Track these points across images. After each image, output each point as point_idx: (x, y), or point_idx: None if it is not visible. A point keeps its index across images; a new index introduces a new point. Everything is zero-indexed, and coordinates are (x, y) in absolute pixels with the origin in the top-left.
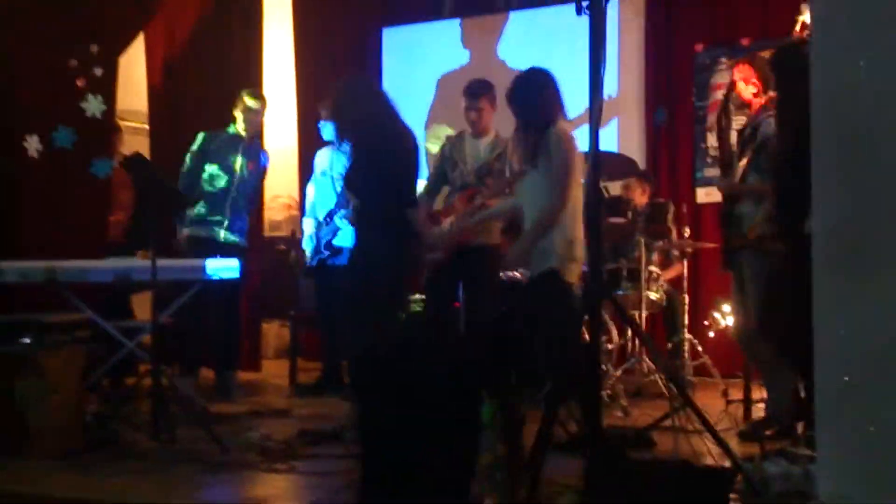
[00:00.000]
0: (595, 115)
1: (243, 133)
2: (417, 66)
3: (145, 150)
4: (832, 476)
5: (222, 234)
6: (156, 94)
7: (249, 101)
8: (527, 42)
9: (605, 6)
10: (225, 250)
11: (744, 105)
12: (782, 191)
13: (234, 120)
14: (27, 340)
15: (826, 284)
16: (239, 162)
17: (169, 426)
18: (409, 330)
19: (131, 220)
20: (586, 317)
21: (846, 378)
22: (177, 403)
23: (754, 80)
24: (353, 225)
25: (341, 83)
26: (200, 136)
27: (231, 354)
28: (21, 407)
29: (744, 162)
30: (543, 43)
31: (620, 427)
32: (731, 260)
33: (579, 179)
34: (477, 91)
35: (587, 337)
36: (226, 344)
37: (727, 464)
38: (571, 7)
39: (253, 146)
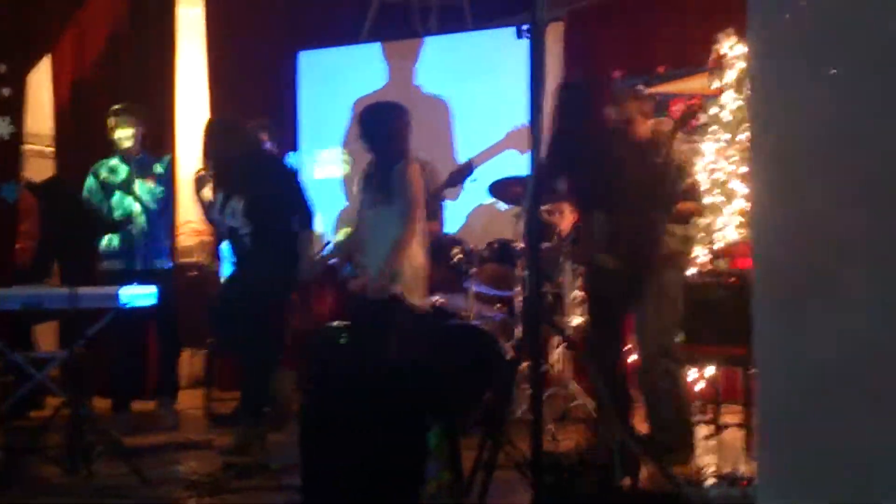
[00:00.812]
0: (536, 139)
1: (127, 152)
2: (335, 90)
3: (49, 175)
4: (773, 495)
5: (138, 262)
6: (63, 117)
7: (112, 119)
8: (443, 67)
9: (544, 30)
10: (144, 278)
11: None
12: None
13: (116, 144)
14: None
15: (766, 308)
16: (136, 183)
17: (85, 460)
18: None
19: (38, 247)
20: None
21: (787, 397)
22: (93, 436)
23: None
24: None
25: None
26: (91, 173)
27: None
28: None
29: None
30: (461, 68)
31: (554, 452)
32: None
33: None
34: None
35: (523, 362)
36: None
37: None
38: (490, 33)
39: (143, 161)
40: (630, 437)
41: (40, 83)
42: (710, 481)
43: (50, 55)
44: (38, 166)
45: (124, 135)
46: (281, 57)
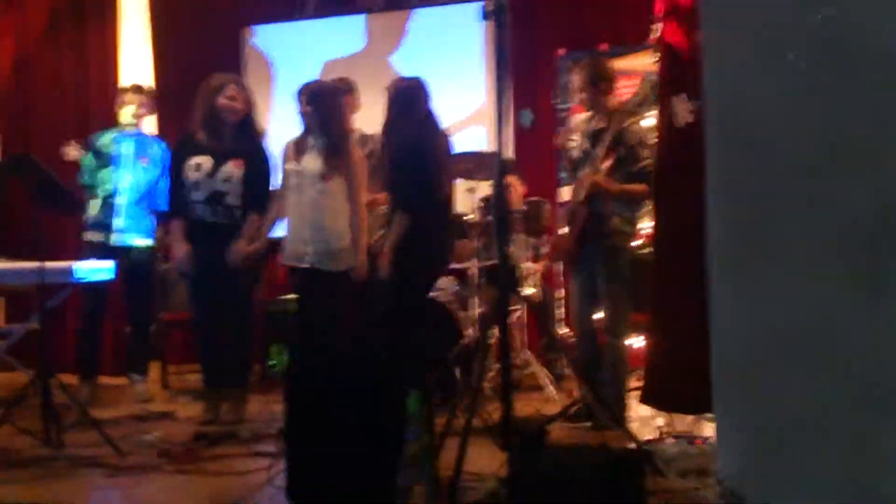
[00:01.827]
0: (500, 120)
1: (128, 128)
2: (281, 65)
3: None
4: (730, 453)
5: (113, 236)
6: (5, 94)
7: (125, 95)
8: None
9: (507, 12)
10: (120, 253)
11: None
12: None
13: (117, 118)
14: None
15: (722, 276)
16: (128, 154)
17: (58, 432)
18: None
19: None
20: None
21: (742, 361)
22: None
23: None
24: None
25: None
26: (89, 144)
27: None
28: None
29: (607, 164)
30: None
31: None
32: (581, 257)
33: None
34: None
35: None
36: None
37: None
38: (439, 10)
39: (141, 140)
40: (598, 399)
41: None
42: (669, 440)
43: None
44: None
45: (128, 111)
46: (226, 32)
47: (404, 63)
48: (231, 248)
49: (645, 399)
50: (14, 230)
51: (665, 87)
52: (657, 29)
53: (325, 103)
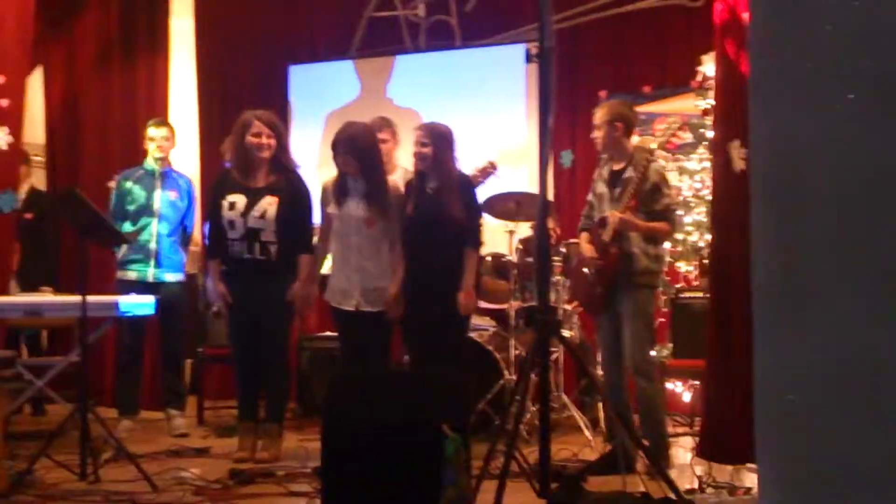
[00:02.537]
0: (543, 161)
1: (155, 165)
2: (324, 104)
3: (42, 184)
4: (774, 498)
5: (150, 272)
6: (54, 127)
7: (153, 131)
8: (434, 84)
9: (553, 55)
10: (155, 289)
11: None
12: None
13: (145, 154)
14: None
15: (765, 318)
16: (157, 195)
17: (95, 466)
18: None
19: (26, 253)
20: None
21: (787, 407)
22: (101, 442)
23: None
24: None
25: None
26: (119, 177)
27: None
28: None
29: (631, 203)
30: (452, 85)
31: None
32: (614, 298)
33: None
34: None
35: (533, 375)
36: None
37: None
38: (480, 51)
39: (170, 176)
40: (637, 444)
41: (33, 93)
42: (709, 490)
43: (42, 66)
44: (31, 176)
45: (157, 146)
46: (270, 69)
47: (448, 101)
48: (296, 293)
49: (702, 453)
50: (59, 266)
51: (720, 131)
52: (700, 72)
53: (362, 149)
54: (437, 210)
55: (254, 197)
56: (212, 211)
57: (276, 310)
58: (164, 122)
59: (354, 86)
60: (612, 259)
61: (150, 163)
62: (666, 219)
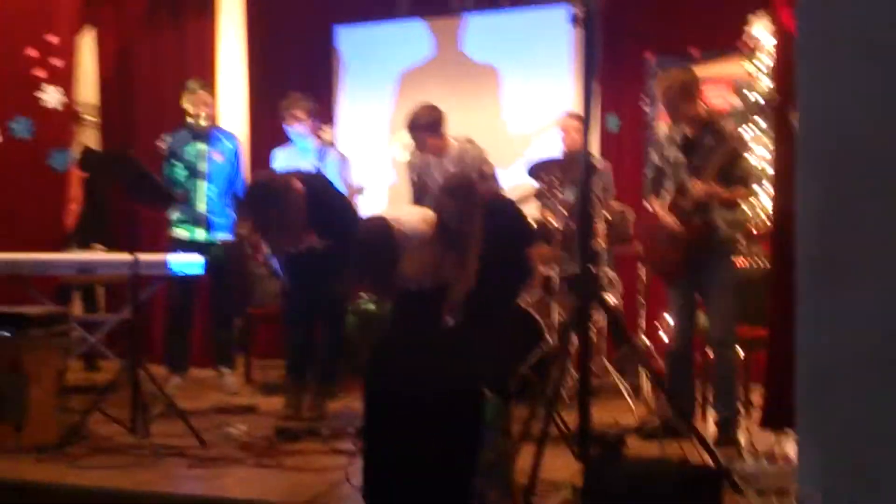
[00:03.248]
0: (587, 123)
1: (198, 122)
2: (372, 65)
3: (95, 143)
4: (812, 473)
5: (200, 233)
6: (107, 87)
7: (191, 86)
8: (485, 45)
9: (597, 18)
10: (205, 249)
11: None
12: None
13: (185, 113)
14: (6, 334)
15: (809, 288)
16: (205, 157)
17: (145, 421)
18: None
19: (83, 211)
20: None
21: (828, 377)
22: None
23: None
24: None
25: None
26: (168, 139)
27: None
28: None
29: (712, 171)
30: (501, 47)
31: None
32: (692, 268)
33: None
34: (416, 128)
35: (575, 338)
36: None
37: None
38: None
39: (212, 134)
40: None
41: (85, 54)
42: (749, 457)
43: (93, 26)
44: (84, 135)
45: (202, 111)
46: (318, 31)
47: (495, 65)
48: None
49: (767, 422)
50: (111, 223)
51: (782, 97)
52: (748, 32)
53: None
54: None
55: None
56: None
57: (334, 273)
58: (201, 84)
59: (405, 46)
60: (694, 229)
61: (190, 121)
62: (744, 183)
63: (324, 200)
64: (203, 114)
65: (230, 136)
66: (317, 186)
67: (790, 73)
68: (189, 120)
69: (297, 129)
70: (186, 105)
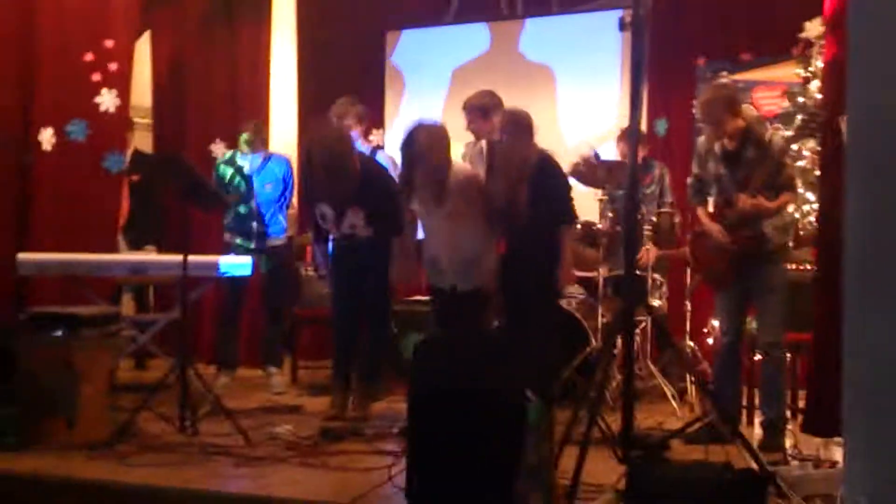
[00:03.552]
0: (635, 127)
1: (252, 153)
2: (423, 70)
3: (148, 146)
4: (858, 480)
5: (253, 243)
6: (161, 90)
7: (244, 136)
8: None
9: (647, 25)
10: (257, 253)
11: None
12: None
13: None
14: (59, 333)
15: (856, 292)
16: (254, 186)
17: (193, 419)
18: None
19: (135, 212)
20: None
21: (876, 383)
22: (200, 397)
23: None
24: None
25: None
26: (220, 160)
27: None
28: (51, 398)
29: (758, 183)
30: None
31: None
32: (742, 276)
33: None
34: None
35: (619, 342)
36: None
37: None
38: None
39: (265, 167)
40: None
41: (140, 58)
42: (794, 462)
43: (150, 30)
44: (138, 139)
45: (243, 139)
46: (370, 37)
47: (551, 67)
48: (393, 271)
49: (807, 428)
50: (164, 225)
51: (830, 106)
52: (803, 38)
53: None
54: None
55: (341, 208)
56: (309, 205)
57: (378, 275)
58: (248, 126)
59: (455, 51)
60: (743, 240)
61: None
62: (789, 188)
63: (376, 183)
64: (247, 153)
65: (281, 162)
66: (371, 168)
67: (840, 79)
68: (244, 149)
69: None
70: (242, 136)
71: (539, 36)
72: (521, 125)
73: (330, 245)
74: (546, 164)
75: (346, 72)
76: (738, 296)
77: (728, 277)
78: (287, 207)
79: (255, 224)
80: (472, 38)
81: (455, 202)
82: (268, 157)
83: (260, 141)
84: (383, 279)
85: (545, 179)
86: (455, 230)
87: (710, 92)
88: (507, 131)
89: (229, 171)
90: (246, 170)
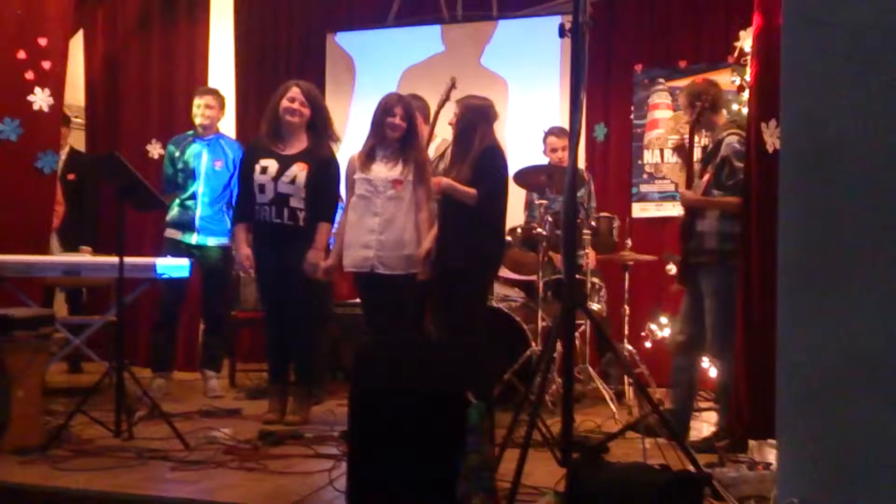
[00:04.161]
0: (574, 134)
1: (201, 131)
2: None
3: (81, 146)
4: (791, 481)
5: (194, 237)
6: (94, 89)
7: (196, 99)
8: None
9: (587, 32)
10: (196, 252)
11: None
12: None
13: (194, 122)
14: None
15: (789, 297)
16: (203, 161)
17: (129, 423)
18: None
19: (69, 213)
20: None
21: (809, 385)
22: (137, 400)
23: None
24: None
25: None
26: (169, 143)
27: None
28: None
29: (706, 178)
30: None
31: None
32: (688, 274)
33: None
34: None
35: (559, 345)
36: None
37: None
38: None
39: (216, 144)
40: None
41: (73, 57)
42: (729, 464)
43: (84, 28)
44: (71, 138)
45: (203, 114)
46: (309, 38)
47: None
48: (308, 261)
49: (732, 428)
50: (99, 226)
51: (755, 108)
52: (738, 47)
53: (410, 114)
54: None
55: (285, 163)
56: (243, 174)
57: (304, 275)
58: (208, 90)
59: (394, 53)
60: (686, 237)
61: (196, 128)
62: (737, 193)
63: (321, 180)
64: (203, 121)
65: (233, 145)
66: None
67: (768, 86)
68: (197, 125)
69: None
70: (194, 111)
71: (489, 42)
72: (478, 113)
73: (254, 236)
74: (495, 150)
75: (286, 73)
76: (689, 297)
77: (681, 272)
78: (227, 205)
79: (195, 219)
80: (417, 41)
81: (418, 179)
82: (220, 135)
83: (219, 107)
84: (309, 275)
85: (487, 161)
86: (397, 209)
87: (698, 86)
88: (463, 120)
89: (177, 152)
90: (196, 153)
